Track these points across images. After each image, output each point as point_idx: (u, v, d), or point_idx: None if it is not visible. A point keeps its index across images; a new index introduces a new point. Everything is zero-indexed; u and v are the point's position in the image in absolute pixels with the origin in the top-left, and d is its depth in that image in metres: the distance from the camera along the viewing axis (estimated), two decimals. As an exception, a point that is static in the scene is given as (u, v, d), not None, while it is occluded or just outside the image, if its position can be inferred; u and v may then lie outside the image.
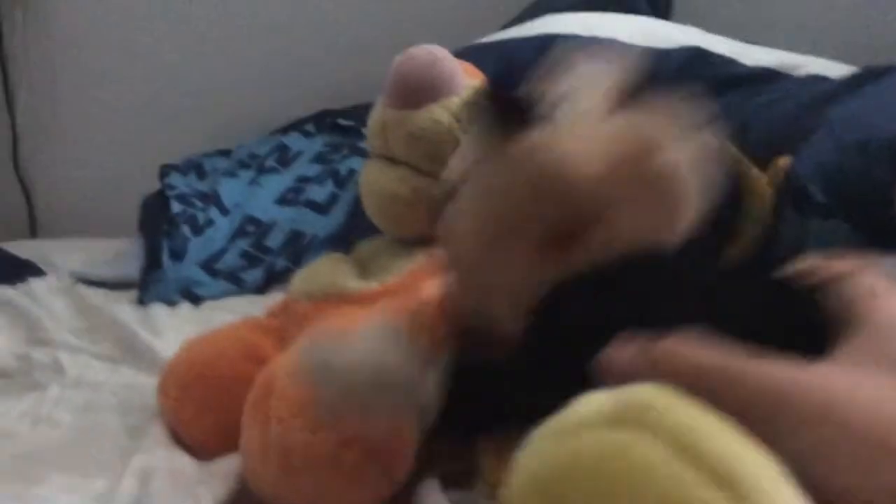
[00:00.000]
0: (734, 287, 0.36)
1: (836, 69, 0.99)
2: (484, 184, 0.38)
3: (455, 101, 0.69)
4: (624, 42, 1.03)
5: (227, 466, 0.62)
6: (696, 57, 1.02)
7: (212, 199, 1.25)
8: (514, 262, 0.38)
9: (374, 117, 0.72)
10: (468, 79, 0.72)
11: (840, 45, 1.10)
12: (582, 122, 0.38)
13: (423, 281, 0.66)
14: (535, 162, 0.36)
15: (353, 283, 0.69)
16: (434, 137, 0.68)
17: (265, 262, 1.14)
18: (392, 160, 0.71)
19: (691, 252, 0.36)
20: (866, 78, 0.84)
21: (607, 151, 0.36)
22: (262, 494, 0.57)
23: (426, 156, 0.69)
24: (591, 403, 0.29)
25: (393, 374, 0.41)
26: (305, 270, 0.74)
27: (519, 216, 0.37)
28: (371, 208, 0.73)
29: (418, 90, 0.68)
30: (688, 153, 0.37)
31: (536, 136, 0.37)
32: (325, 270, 0.72)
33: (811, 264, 0.37)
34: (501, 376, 0.39)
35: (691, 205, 0.37)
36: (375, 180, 0.71)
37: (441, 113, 0.68)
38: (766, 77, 0.97)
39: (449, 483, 0.60)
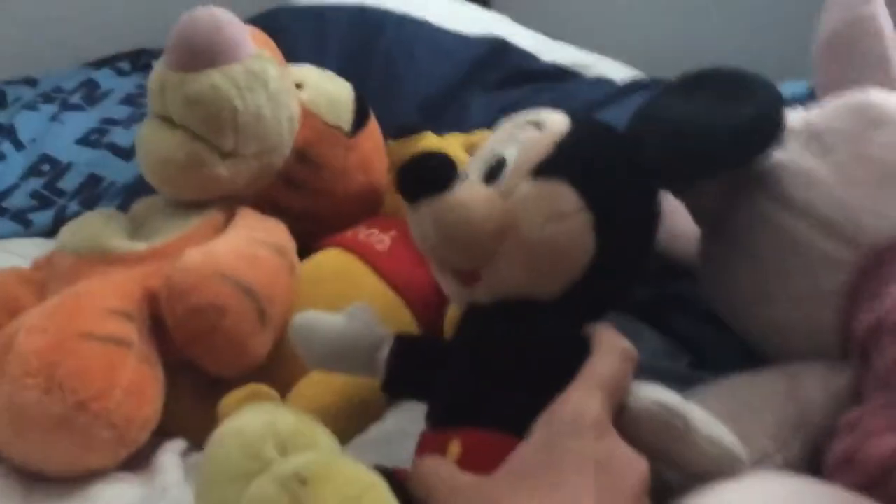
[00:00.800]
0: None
1: (623, 73, 1.06)
2: (413, 230, 0.50)
3: (237, 69, 0.69)
4: (432, 23, 1.06)
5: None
6: (497, 48, 1.06)
7: (7, 131, 1.18)
8: (443, 281, 0.51)
9: (154, 76, 0.71)
10: (254, 46, 0.72)
11: (636, 48, 1.18)
12: (480, 189, 0.49)
13: (190, 246, 0.66)
14: (441, 219, 0.47)
15: (119, 243, 0.68)
16: (212, 104, 0.68)
17: (57, 204, 1.09)
18: (169, 121, 0.70)
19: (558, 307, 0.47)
20: (638, 87, 0.91)
21: (497, 216, 0.47)
22: (-2, 451, 0.57)
23: (202, 121, 0.68)
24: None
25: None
26: (74, 223, 0.73)
27: (434, 256, 0.50)
28: (146, 168, 0.72)
29: (198, 54, 0.68)
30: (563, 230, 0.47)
31: (447, 197, 0.47)
32: (93, 226, 0.71)
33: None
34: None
35: (563, 271, 0.47)
36: (150, 141, 0.70)
37: (220, 79, 0.68)
38: (558, 75, 1.03)
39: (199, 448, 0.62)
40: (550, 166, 0.47)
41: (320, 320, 0.54)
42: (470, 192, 0.48)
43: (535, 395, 0.42)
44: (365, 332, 0.52)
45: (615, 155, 0.49)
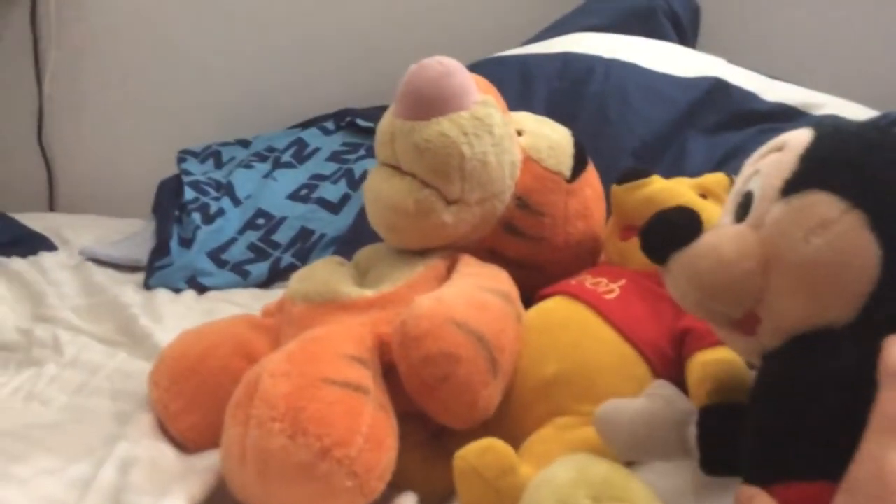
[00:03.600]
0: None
1: (856, 111, 0.97)
2: (671, 291, 0.47)
3: (464, 116, 0.69)
4: (644, 67, 1.02)
5: (209, 462, 0.62)
6: (716, 88, 1.01)
7: (225, 189, 1.25)
8: (726, 339, 0.48)
9: (383, 126, 0.72)
10: (480, 94, 0.71)
11: (864, 87, 1.09)
12: (727, 229, 0.46)
13: (417, 293, 0.66)
14: (694, 270, 0.45)
15: (349, 289, 0.69)
16: (440, 151, 0.68)
17: (272, 256, 1.14)
18: (398, 170, 0.71)
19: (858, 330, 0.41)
20: (887, 124, 0.83)
21: (751, 250, 0.43)
22: (237, 496, 0.57)
23: (431, 169, 0.68)
24: None
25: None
26: (304, 271, 0.74)
27: (702, 312, 0.46)
28: (373, 216, 0.72)
29: (427, 102, 0.68)
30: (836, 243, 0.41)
31: (694, 247, 0.45)
32: (323, 273, 0.72)
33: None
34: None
35: (850, 285, 0.41)
36: (379, 189, 0.71)
37: (449, 127, 0.68)
38: (785, 115, 0.96)
39: (425, 501, 0.61)
40: (799, 180, 0.43)
41: (620, 406, 0.52)
42: (716, 234, 0.45)
43: (849, 433, 0.37)
44: (668, 410, 0.49)
45: (875, 144, 0.43)
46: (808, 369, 0.41)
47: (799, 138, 0.45)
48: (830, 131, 0.45)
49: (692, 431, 0.47)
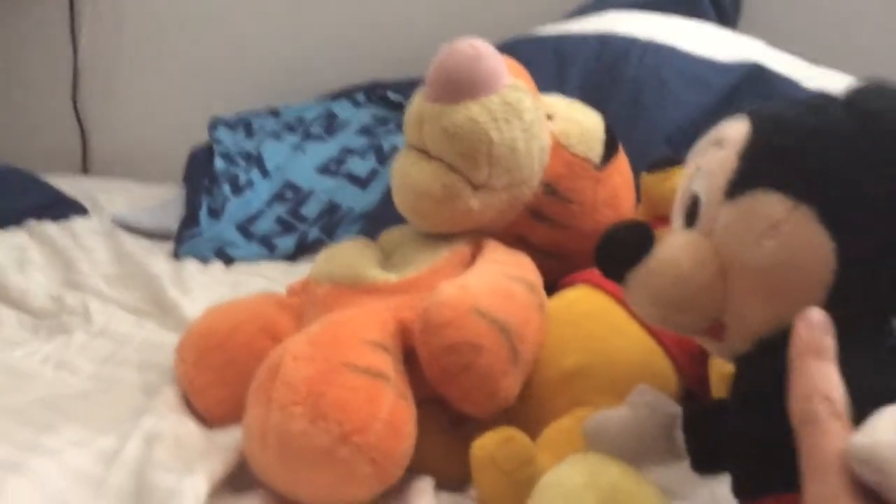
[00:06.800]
0: None
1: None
2: (634, 308, 0.47)
3: (494, 100, 0.68)
4: (682, 50, 1.00)
5: (232, 440, 0.63)
6: (755, 74, 0.98)
7: (255, 160, 1.25)
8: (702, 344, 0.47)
9: (413, 108, 0.71)
10: (511, 77, 0.70)
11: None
12: (679, 238, 0.45)
13: (440, 279, 0.66)
14: (652, 287, 0.44)
15: (374, 273, 0.69)
16: (469, 136, 0.67)
17: (299, 230, 1.15)
18: (426, 153, 0.70)
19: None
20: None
21: (707, 258, 0.43)
22: (258, 476, 0.58)
23: (459, 154, 0.68)
24: None
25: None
26: (329, 251, 0.74)
27: (667, 326, 0.46)
28: (399, 199, 0.72)
29: (457, 86, 0.67)
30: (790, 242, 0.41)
31: (648, 263, 0.45)
32: (348, 254, 0.72)
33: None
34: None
35: (809, 283, 0.40)
36: (407, 172, 0.71)
37: (479, 111, 0.67)
38: (825, 103, 0.93)
39: (441, 486, 0.61)
40: (741, 181, 0.42)
41: (606, 419, 0.51)
42: (670, 246, 0.44)
43: None
44: (653, 417, 0.48)
45: (814, 131, 0.41)
46: (773, 374, 0.40)
47: (736, 133, 0.44)
48: (767, 123, 0.43)
49: (680, 435, 0.47)
